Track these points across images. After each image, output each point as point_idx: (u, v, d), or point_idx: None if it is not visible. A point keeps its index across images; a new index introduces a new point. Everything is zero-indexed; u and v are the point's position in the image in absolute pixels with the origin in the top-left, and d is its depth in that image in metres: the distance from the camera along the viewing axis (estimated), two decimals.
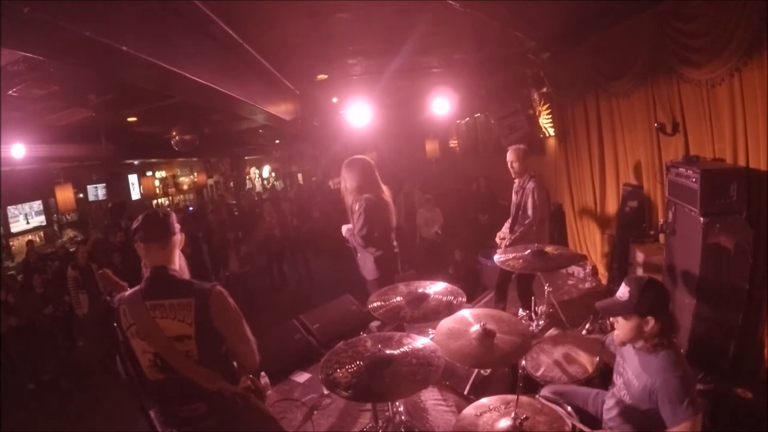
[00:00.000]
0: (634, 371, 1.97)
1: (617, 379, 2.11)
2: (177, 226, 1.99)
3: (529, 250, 3.29)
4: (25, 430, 4.70)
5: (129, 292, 1.91)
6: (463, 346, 2.27)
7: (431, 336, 2.60)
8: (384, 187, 3.67)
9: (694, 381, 1.93)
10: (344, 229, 3.76)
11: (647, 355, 1.90)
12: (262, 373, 3.40)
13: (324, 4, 3.35)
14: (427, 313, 2.62)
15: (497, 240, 4.23)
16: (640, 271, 3.90)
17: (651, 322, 1.86)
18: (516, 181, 4.07)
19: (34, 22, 1.86)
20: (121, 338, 1.88)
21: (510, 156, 4.01)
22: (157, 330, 1.82)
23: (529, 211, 3.87)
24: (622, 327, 1.95)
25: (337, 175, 4.14)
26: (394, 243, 3.78)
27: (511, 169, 4.04)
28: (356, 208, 3.52)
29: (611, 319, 2.03)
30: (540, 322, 3.47)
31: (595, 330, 3.24)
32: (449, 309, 2.62)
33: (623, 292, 1.95)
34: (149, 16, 2.72)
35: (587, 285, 4.91)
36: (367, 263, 3.70)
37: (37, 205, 9.60)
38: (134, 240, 1.94)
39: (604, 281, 4.88)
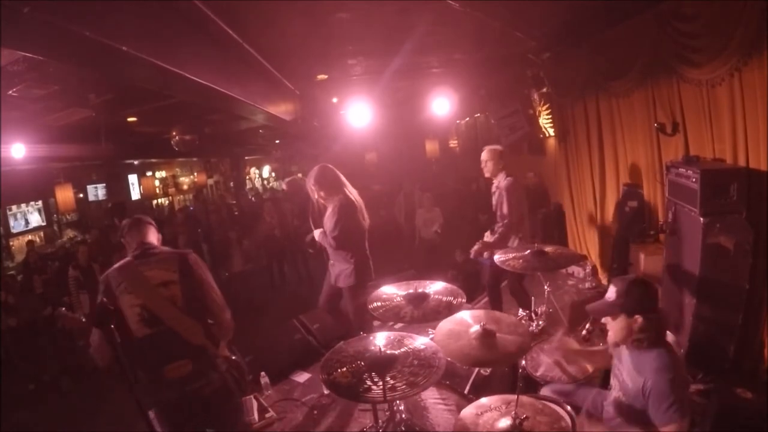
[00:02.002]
0: (628, 372, 1.98)
1: (613, 381, 2.12)
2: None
3: (529, 250, 3.28)
4: (25, 430, 4.69)
5: (117, 264, 2.18)
6: (464, 346, 2.27)
7: (431, 336, 2.60)
8: (352, 189, 3.64)
9: (687, 384, 1.93)
10: (317, 233, 3.70)
11: (639, 355, 1.92)
12: (262, 373, 3.42)
13: (324, 4, 3.34)
14: (427, 313, 2.63)
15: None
16: (639, 272, 3.90)
17: (639, 320, 1.87)
18: (493, 182, 3.97)
19: (34, 22, 1.85)
20: (112, 308, 1.93)
21: (484, 155, 3.91)
22: (145, 280, 2.08)
23: (505, 211, 3.77)
24: (612, 328, 1.97)
25: (290, 175, 4.32)
26: (367, 249, 3.73)
27: (483, 168, 3.95)
28: (330, 209, 3.52)
29: (603, 320, 2.04)
30: (540, 322, 3.48)
31: (595, 330, 3.24)
32: (449, 309, 2.63)
33: (611, 292, 1.97)
34: (149, 16, 2.71)
35: (587, 285, 4.91)
36: (341, 270, 3.61)
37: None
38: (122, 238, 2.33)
39: (604, 281, 4.87)
